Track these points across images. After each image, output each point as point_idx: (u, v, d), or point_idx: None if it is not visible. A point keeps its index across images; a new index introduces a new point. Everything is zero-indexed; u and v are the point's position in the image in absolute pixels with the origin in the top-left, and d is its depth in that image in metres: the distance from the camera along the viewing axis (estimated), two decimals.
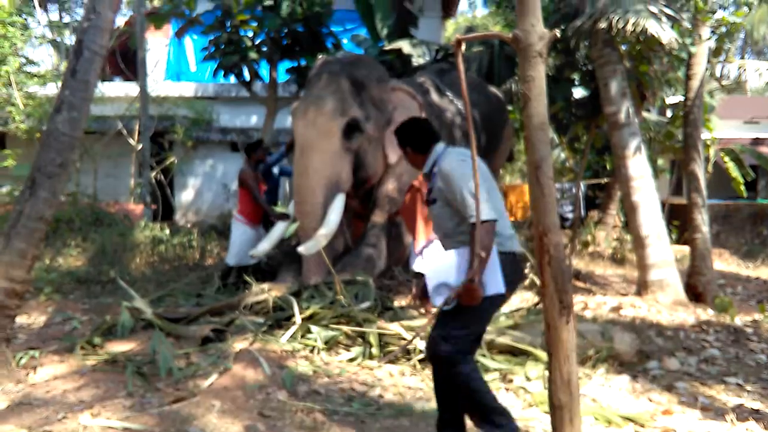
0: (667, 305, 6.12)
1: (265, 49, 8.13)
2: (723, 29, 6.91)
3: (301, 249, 5.58)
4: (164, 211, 11.80)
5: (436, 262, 2.92)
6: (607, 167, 12.29)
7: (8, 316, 3.81)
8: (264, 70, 8.68)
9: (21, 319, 5.08)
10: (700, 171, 6.78)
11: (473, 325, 2.80)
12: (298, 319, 4.42)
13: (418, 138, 3.02)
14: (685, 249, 7.56)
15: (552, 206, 2.17)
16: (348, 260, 5.99)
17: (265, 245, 6.01)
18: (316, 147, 5.78)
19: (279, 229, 6.08)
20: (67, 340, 4.53)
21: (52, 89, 10.86)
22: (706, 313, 6.00)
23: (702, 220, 6.78)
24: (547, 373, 2.52)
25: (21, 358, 4.07)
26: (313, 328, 4.35)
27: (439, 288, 2.79)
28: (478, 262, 2.60)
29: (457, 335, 2.75)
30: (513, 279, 2.81)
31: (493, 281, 2.70)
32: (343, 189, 5.91)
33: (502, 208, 2.88)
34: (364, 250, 6.13)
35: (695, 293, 6.67)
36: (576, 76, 8.08)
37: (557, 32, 2.26)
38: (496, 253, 2.71)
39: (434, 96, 7.17)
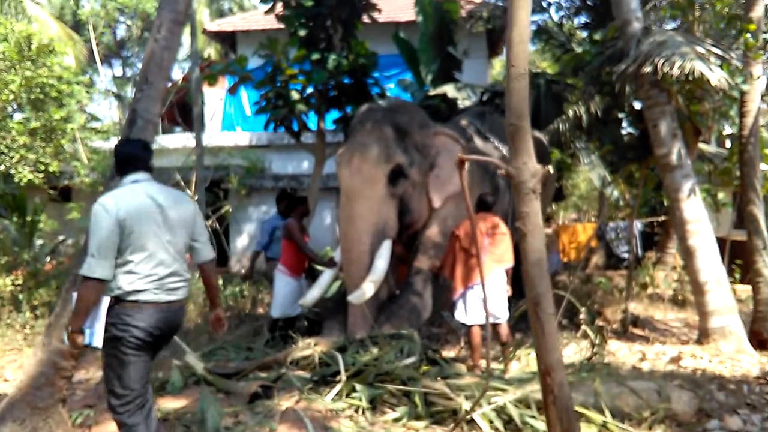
0: (729, 354, 5.84)
1: (313, 101, 8.35)
2: None
3: (350, 298, 5.61)
4: (220, 259, 12.08)
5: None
6: (665, 203, 11.93)
7: (64, 377, 3.94)
8: (312, 121, 8.89)
9: (79, 375, 5.27)
10: (760, 212, 6.51)
11: (109, 381, 2.89)
12: (343, 377, 4.42)
13: (117, 157, 3.05)
14: (750, 289, 7.22)
15: (554, 344, 2.13)
16: (392, 310, 5.98)
17: (315, 292, 6.06)
18: (362, 194, 5.85)
19: (328, 276, 6.14)
20: None
21: (115, 143, 11.40)
22: None
23: (764, 263, 6.48)
24: None
25: (77, 417, 4.21)
26: (358, 386, 4.33)
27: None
28: (74, 312, 2.74)
29: (110, 389, 2.88)
30: (156, 327, 2.86)
31: (96, 334, 2.77)
32: (389, 235, 5.95)
33: (154, 259, 2.87)
34: (409, 298, 6.11)
35: (759, 340, 6.35)
36: (624, 116, 7.94)
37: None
38: (103, 307, 2.77)
39: (478, 141, 7.18)
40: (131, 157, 3.01)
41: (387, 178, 5.91)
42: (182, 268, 3.01)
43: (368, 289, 5.60)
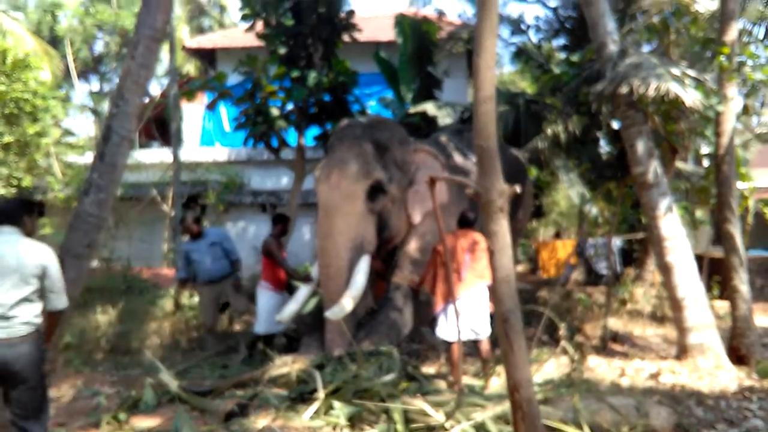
0: (708, 370, 5.87)
1: (293, 117, 8.33)
2: (750, 85, 6.82)
3: (328, 314, 5.55)
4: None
5: None
6: (643, 220, 12.04)
7: None
8: (292, 137, 8.87)
9: (50, 393, 5.12)
10: (736, 230, 6.58)
11: None
12: (321, 394, 4.35)
13: None
14: (729, 305, 7.30)
15: (523, 361, 2.12)
16: (372, 326, 5.94)
17: (292, 307, 5.99)
18: (341, 209, 5.83)
19: (305, 291, 6.08)
20: (93, 416, 4.54)
21: (90, 158, 11.26)
22: (750, 378, 5.74)
23: (741, 280, 6.54)
24: None
25: None
26: (336, 404, 4.26)
27: None
28: None
29: None
30: None
31: None
32: (368, 251, 5.93)
33: None
34: (388, 314, 6.08)
35: (738, 356, 6.39)
36: (601, 136, 8.03)
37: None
38: None
39: (458, 157, 7.20)
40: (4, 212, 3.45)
41: (366, 193, 5.90)
42: (14, 311, 3.30)
43: (347, 304, 5.55)
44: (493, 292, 2.23)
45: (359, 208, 5.86)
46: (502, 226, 2.22)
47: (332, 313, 5.50)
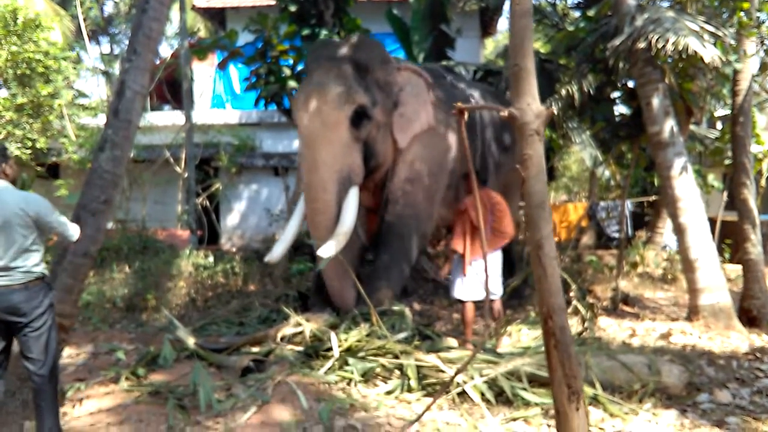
0: (719, 331, 5.90)
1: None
2: None
3: (319, 252, 5.17)
4: (210, 236, 12.04)
5: None
6: (655, 183, 11.95)
7: None
8: None
9: (70, 350, 5.24)
10: (750, 195, 6.52)
11: None
12: (336, 352, 4.41)
13: None
14: (740, 268, 7.29)
15: (556, 287, 2.08)
16: (372, 280, 5.67)
17: (280, 247, 5.65)
18: (324, 139, 5.31)
19: (292, 231, 5.74)
20: (112, 371, 4.63)
21: (103, 120, 11.24)
22: (761, 339, 5.77)
23: (753, 243, 6.52)
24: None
25: (69, 390, 4.19)
26: (350, 360, 4.33)
27: None
28: None
29: None
30: None
31: None
32: (355, 182, 5.48)
33: None
34: (386, 257, 5.80)
35: (749, 317, 6.41)
36: (617, 95, 7.91)
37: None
38: None
39: (448, 77, 6.97)
40: None
41: (349, 120, 5.37)
42: (15, 262, 3.38)
43: (339, 240, 5.20)
44: (527, 220, 2.16)
45: (343, 137, 5.35)
46: (537, 150, 2.13)
47: (324, 251, 5.13)
